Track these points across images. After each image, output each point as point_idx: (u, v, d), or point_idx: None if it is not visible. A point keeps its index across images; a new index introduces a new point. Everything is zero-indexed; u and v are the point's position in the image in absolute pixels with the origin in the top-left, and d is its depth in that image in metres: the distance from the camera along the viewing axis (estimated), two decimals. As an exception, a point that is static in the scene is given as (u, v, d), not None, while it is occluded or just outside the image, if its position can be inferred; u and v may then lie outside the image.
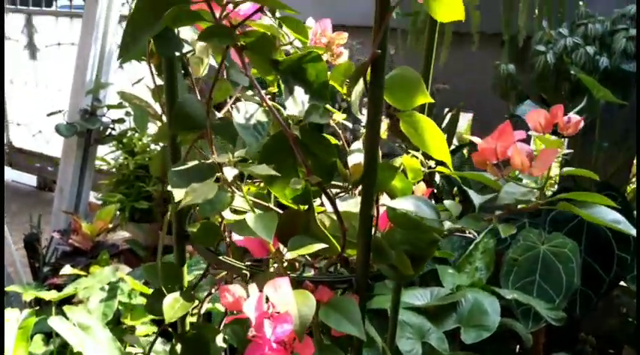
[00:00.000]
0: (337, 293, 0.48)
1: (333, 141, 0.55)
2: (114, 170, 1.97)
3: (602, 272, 1.38)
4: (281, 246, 0.47)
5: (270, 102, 0.44)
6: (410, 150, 0.59)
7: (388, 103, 0.48)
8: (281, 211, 0.54)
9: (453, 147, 1.82)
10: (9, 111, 3.30)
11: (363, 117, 0.47)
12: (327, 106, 0.54)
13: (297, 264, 0.51)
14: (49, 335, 1.15)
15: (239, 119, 0.40)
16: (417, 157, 0.57)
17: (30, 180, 3.35)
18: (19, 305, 1.40)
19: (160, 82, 0.57)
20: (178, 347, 0.60)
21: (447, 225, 0.44)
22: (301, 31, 0.48)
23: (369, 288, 0.54)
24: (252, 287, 0.41)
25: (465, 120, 2.18)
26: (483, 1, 1.56)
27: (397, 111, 0.47)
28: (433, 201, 0.47)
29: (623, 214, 0.41)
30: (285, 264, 0.47)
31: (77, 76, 1.94)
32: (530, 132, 0.41)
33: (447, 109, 1.85)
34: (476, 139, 0.42)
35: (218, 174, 0.46)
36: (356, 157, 0.47)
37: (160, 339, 1.10)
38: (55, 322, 1.03)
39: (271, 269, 0.48)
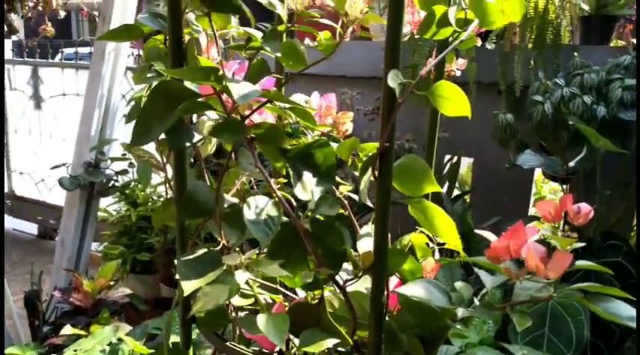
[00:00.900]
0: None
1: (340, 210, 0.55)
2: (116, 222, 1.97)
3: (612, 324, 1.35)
4: (291, 335, 0.46)
5: (279, 193, 0.44)
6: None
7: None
8: (288, 293, 0.53)
9: (455, 193, 1.82)
10: (12, 160, 3.33)
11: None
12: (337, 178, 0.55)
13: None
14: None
15: (249, 215, 0.40)
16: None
17: (31, 228, 3.35)
18: (18, 367, 1.37)
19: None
20: None
21: (460, 312, 0.44)
22: (308, 119, 0.49)
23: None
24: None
25: (466, 163, 2.20)
26: (479, 52, 1.60)
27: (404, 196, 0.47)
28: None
29: (628, 262, 0.40)
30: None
31: (82, 129, 1.96)
32: (540, 233, 0.41)
33: (447, 157, 1.86)
34: (489, 235, 0.42)
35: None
36: (366, 243, 0.47)
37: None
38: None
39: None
